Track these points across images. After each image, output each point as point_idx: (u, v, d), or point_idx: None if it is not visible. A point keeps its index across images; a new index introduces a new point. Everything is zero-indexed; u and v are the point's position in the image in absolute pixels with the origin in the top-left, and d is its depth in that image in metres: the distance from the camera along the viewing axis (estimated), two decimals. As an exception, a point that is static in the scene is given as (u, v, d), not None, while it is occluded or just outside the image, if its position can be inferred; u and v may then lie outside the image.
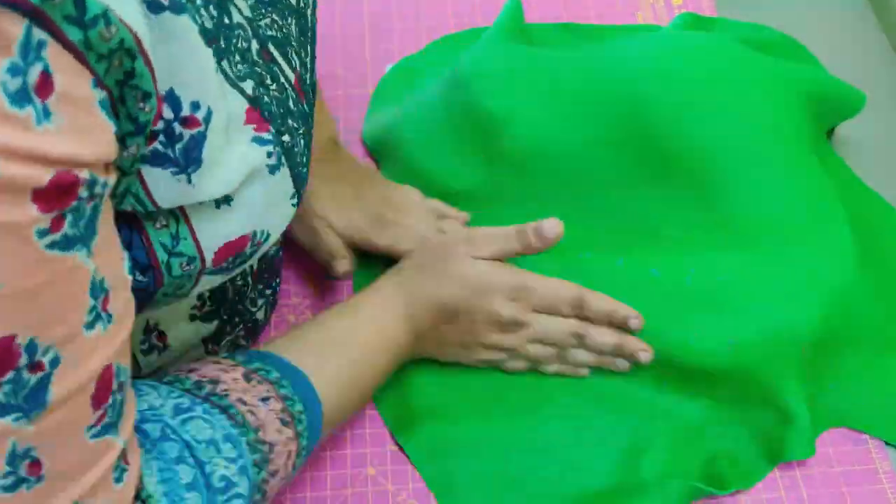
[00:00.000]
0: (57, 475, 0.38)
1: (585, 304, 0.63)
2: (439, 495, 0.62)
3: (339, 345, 0.59)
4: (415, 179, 0.74)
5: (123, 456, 0.42)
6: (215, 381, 0.52)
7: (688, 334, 0.62)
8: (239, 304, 0.64)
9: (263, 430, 0.51)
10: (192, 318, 0.60)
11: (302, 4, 0.58)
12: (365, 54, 0.87)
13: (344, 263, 0.69)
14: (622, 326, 0.64)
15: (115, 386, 0.41)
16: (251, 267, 0.64)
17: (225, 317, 0.63)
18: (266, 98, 0.48)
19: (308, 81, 0.56)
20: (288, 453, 0.52)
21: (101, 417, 0.40)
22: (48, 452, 0.38)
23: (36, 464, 0.37)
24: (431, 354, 0.66)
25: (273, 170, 0.48)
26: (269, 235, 0.51)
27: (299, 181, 0.52)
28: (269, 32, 0.52)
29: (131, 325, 0.42)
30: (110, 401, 0.40)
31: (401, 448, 0.64)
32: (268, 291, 0.68)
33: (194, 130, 0.43)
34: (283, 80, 0.51)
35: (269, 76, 0.50)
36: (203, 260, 0.48)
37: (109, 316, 0.39)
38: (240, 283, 0.63)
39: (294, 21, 0.56)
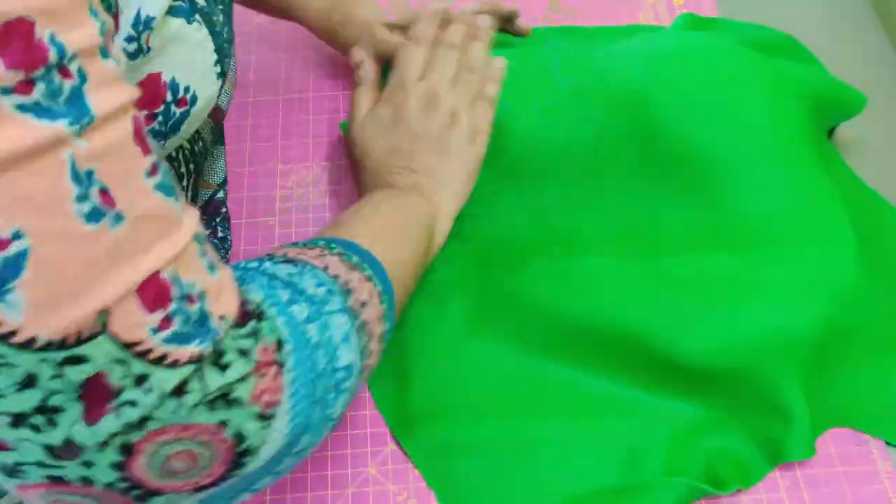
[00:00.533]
0: (137, 219, 0.37)
1: (446, 16, 0.74)
2: (440, 495, 0.62)
3: (396, 232, 0.60)
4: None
5: (208, 251, 0.41)
6: (296, 258, 0.51)
7: (689, 334, 0.62)
8: None
9: (357, 290, 0.50)
10: None
11: None
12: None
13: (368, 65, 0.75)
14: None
15: (151, 143, 0.39)
16: (187, 198, 0.64)
17: None
18: None
19: None
20: (380, 335, 0.53)
21: (154, 170, 0.38)
22: (114, 182, 0.36)
23: (106, 194, 0.35)
24: (433, 175, 0.67)
25: (189, 17, 0.50)
26: (195, 96, 0.52)
27: (222, 53, 0.53)
28: None
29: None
30: (154, 157, 0.38)
31: (401, 448, 0.64)
32: (206, 231, 0.68)
33: None
34: None
35: None
36: None
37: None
38: None
39: None
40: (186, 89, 0.52)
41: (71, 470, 0.38)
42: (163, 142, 0.53)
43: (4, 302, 0.34)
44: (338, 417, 0.48)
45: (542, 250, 0.69)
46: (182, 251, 0.39)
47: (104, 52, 0.36)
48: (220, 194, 0.71)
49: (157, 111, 0.51)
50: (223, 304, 0.41)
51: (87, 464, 0.38)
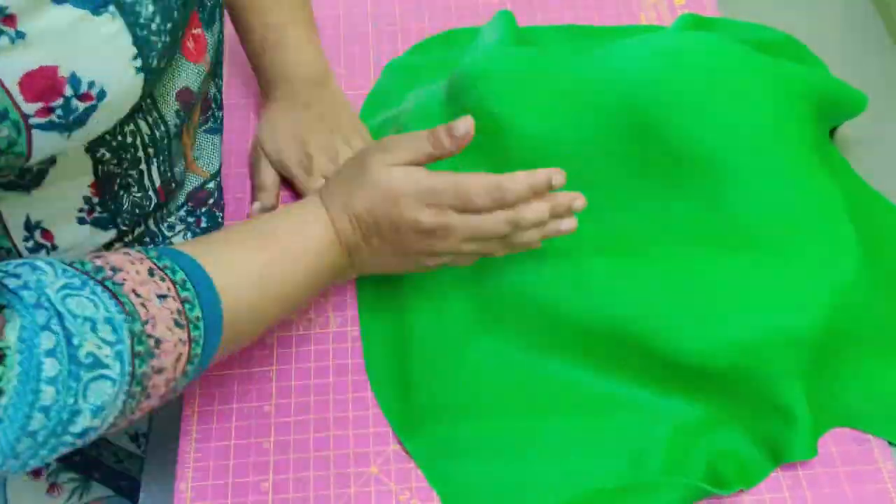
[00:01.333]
0: None
1: (502, 190, 0.59)
2: (442, 495, 0.62)
3: (254, 247, 0.58)
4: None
5: None
6: (116, 269, 0.51)
7: (690, 334, 0.62)
8: (143, 218, 0.64)
9: (153, 324, 0.50)
10: (81, 220, 0.60)
11: None
12: (367, 54, 0.88)
13: (266, 196, 0.70)
14: (550, 189, 0.60)
15: None
16: (153, 182, 0.64)
17: (123, 227, 0.63)
18: None
19: None
20: (178, 355, 0.52)
21: None
22: None
23: None
24: (378, 270, 0.64)
25: (97, 8, 0.49)
26: (103, 91, 0.51)
27: (146, 47, 0.52)
28: None
29: None
30: None
31: (404, 447, 0.64)
32: (190, 219, 0.68)
33: None
34: None
35: None
36: (9, 95, 0.48)
37: None
38: (138, 194, 0.63)
39: None
40: (91, 84, 0.51)
41: None
42: (66, 133, 0.52)
43: None
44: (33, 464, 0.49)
45: (543, 250, 0.69)
46: None
47: None
48: (211, 185, 0.70)
49: (53, 104, 0.50)
50: None
51: None
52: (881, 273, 0.67)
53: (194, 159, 0.68)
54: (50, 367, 0.46)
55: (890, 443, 0.63)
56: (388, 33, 0.89)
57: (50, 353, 0.46)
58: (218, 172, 0.71)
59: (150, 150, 0.61)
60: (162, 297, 0.51)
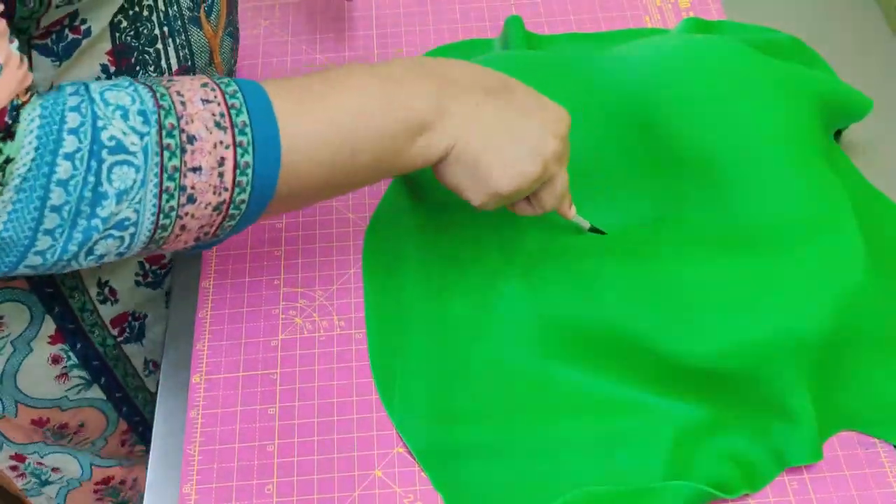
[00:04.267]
0: None
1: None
2: (446, 497, 0.62)
3: (319, 79, 0.54)
4: (423, 185, 0.74)
5: None
6: (172, 81, 0.51)
7: (695, 336, 0.62)
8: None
9: (187, 120, 0.50)
10: (137, 283, 0.60)
11: None
12: (372, 57, 0.88)
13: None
14: None
15: None
16: (170, 65, 0.63)
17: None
18: None
19: None
20: (220, 159, 0.50)
21: None
22: None
23: None
24: (466, 138, 0.55)
25: None
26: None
27: None
28: None
29: None
30: None
31: (408, 450, 0.64)
32: None
33: None
34: None
35: None
36: None
37: None
38: (154, 74, 0.62)
39: None
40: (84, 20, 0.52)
41: None
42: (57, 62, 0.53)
43: None
44: (70, 257, 0.49)
45: (548, 252, 0.69)
46: None
47: None
48: None
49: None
50: None
51: None
52: (887, 276, 0.67)
53: (222, 61, 0.68)
54: (70, 143, 0.46)
55: (896, 447, 0.63)
56: (393, 37, 0.89)
57: (72, 131, 0.46)
58: (230, 74, 0.71)
59: (165, 30, 0.60)
60: (206, 101, 0.50)
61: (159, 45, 0.60)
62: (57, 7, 0.51)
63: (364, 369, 0.68)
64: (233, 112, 0.51)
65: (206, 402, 0.67)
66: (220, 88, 0.52)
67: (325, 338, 0.70)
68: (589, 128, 0.71)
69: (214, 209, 0.52)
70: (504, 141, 0.56)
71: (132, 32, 0.58)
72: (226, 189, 0.51)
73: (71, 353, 0.71)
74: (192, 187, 0.50)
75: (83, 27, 0.55)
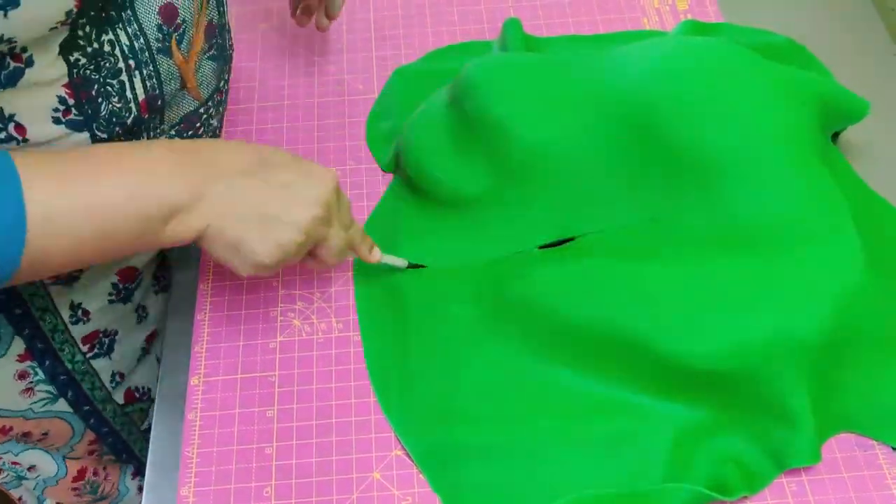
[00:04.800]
0: None
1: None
2: (445, 500, 0.62)
3: (77, 156, 0.54)
4: (423, 185, 0.74)
5: None
6: None
7: (694, 338, 0.62)
8: (121, 128, 0.62)
9: None
10: (56, 120, 0.57)
11: None
12: (370, 60, 0.88)
13: (375, 251, 0.68)
14: None
15: None
16: (136, 95, 0.62)
17: (99, 132, 0.61)
18: None
19: None
20: None
21: None
22: None
23: None
24: (220, 221, 0.57)
25: None
26: None
27: None
28: None
29: None
30: None
31: (406, 453, 0.64)
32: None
33: None
34: None
35: None
36: None
37: None
38: (118, 104, 0.61)
39: None
40: None
41: None
42: (2, 12, 0.49)
43: None
44: None
45: (546, 254, 0.69)
46: None
47: None
48: (202, 110, 0.69)
49: None
50: None
51: None
52: (885, 277, 0.67)
53: (197, 84, 0.67)
54: None
55: (894, 448, 0.63)
56: (391, 39, 0.89)
57: None
58: (210, 98, 0.70)
59: (131, 62, 0.60)
60: None
61: (123, 77, 0.60)
62: None
63: (362, 372, 0.68)
64: None
65: (205, 405, 0.67)
66: None
67: (324, 340, 0.70)
68: (587, 129, 0.71)
69: None
70: (259, 217, 0.58)
71: (91, 66, 0.58)
72: None
73: (38, 370, 0.71)
74: None
75: (24, 55, 0.54)
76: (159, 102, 0.63)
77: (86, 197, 0.53)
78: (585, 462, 0.62)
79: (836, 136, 0.78)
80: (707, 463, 0.62)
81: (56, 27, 0.54)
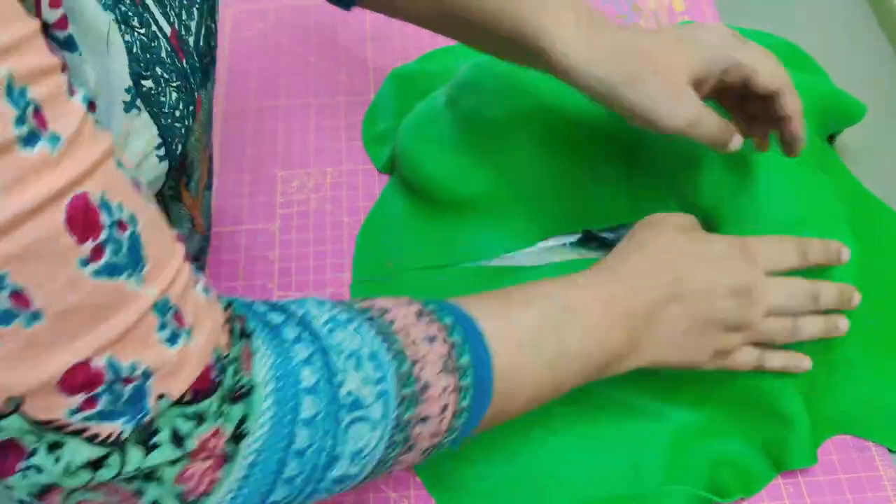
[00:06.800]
0: (61, 314, 0.34)
1: (808, 247, 0.58)
2: (440, 501, 0.62)
3: (526, 301, 0.52)
4: (420, 186, 0.74)
5: (177, 318, 0.37)
6: (384, 310, 0.47)
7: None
8: None
9: (421, 365, 0.45)
10: None
11: None
12: (367, 61, 0.88)
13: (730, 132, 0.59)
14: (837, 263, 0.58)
15: (103, 218, 0.35)
16: None
17: None
18: (128, 37, 0.45)
19: (192, 44, 0.53)
20: (444, 406, 0.46)
21: (98, 252, 0.34)
22: (31, 282, 0.33)
23: (20, 295, 0.33)
24: (660, 357, 0.56)
25: (128, 107, 0.45)
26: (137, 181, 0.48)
27: (169, 134, 0.48)
28: None
29: (104, 151, 0.36)
30: (104, 235, 0.35)
31: (402, 455, 0.64)
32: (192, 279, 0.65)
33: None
34: (154, 28, 0.48)
35: (136, 18, 0.46)
36: None
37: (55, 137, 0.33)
38: None
39: None
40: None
41: None
42: None
43: None
44: None
45: (545, 253, 0.69)
46: (127, 332, 0.36)
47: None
48: (203, 242, 0.67)
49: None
50: (174, 382, 0.38)
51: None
52: (880, 279, 0.67)
53: (201, 215, 0.65)
54: (309, 406, 0.41)
55: (890, 450, 0.63)
56: (388, 40, 0.89)
57: (310, 390, 0.41)
58: (209, 229, 0.69)
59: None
60: (431, 339, 0.46)
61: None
62: None
63: (358, 373, 0.68)
64: (456, 352, 0.47)
65: (200, 407, 0.67)
66: (437, 321, 0.48)
67: (320, 341, 0.70)
68: (583, 131, 0.71)
69: (422, 453, 0.48)
70: (687, 337, 0.57)
71: None
72: (440, 433, 0.47)
73: None
74: (417, 436, 0.46)
75: None
76: (394, 297, 0.60)
77: (548, 359, 0.52)
78: (582, 464, 0.62)
79: (832, 137, 0.78)
80: (704, 465, 0.62)
81: None
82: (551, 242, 0.73)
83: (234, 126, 0.83)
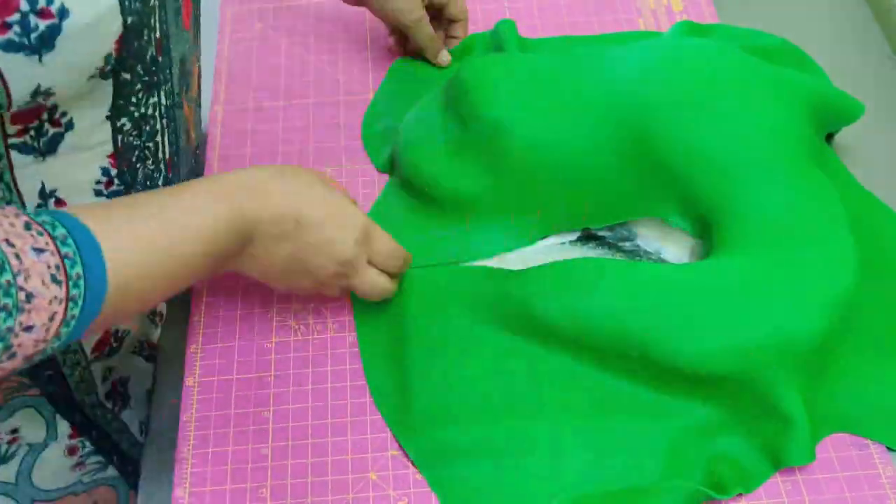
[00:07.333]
0: None
1: (405, 263, 0.67)
2: (443, 498, 0.62)
3: (147, 215, 0.54)
4: (420, 185, 0.74)
5: None
6: None
7: (689, 338, 0.62)
8: None
9: (26, 276, 0.46)
10: (98, 192, 0.59)
11: None
12: (366, 60, 0.88)
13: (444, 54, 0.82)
14: None
15: None
16: (165, 154, 0.62)
17: None
18: None
19: None
20: (52, 314, 0.48)
21: None
22: None
23: None
24: (250, 270, 0.63)
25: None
26: (64, 8, 0.49)
27: None
28: None
29: None
30: None
31: (404, 452, 0.64)
32: None
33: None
34: None
35: None
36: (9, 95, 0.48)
37: None
38: (151, 166, 0.61)
39: None
40: (50, 0, 0.48)
41: None
42: (35, 56, 0.49)
43: None
44: None
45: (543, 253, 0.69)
46: None
47: None
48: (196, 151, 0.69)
49: (9, 19, 0.47)
50: None
51: None
52: (879, 278, 0.67)
53: (193, 129, 0.67)
54: None
55: (889, 448, 0.63)
56: (387, 40, 0.89)
57: None
58: (199, 145, 0.70)
59: (165, 121, 0.60)
60: (39, 250, 0.47)
61: (158, 138, 0.60)
62: (26, 104, 0.50)
63: (358, 372, 0.68)
64: (67, 262, 0.48)
65: (200, 405, 0.67)
66: (47, 233, 0.49)
67: (319, 340, 0.70)
68: (582, 130, 0.71)
69: (25, 359, 0.49)
70: (287, 274, 0.64)
71: (135, 132, 0.58)
72: (46, 340, 0.49)
73: (87, 442, 0.72)
74: (19, 345, 0.47)
75: (63, 119, 0.53)
76: (176, 159, 0.63)
77: (163, 266, 0.55)
78: (583, 461, 0.62)
79: (830, 137, 0.79)
80: (703, 462, 0.62)
81: (95, 75, 0.53)
82: (551, 241, 0.73)
83: (234, 126, 0.83)
